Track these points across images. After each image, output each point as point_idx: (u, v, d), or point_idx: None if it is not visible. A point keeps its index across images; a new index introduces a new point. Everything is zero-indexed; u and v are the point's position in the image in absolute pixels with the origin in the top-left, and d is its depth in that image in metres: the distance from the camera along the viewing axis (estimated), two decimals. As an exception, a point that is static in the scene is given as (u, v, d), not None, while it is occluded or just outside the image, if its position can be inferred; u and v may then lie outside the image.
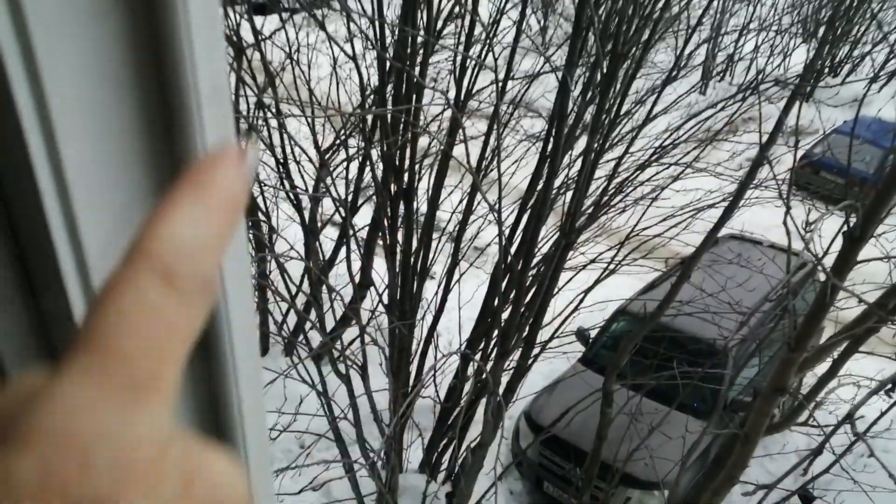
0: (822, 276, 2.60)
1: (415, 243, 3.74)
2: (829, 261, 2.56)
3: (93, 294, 0.35)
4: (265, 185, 4.10)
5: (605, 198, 3.88)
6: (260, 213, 4.16)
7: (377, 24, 3.43)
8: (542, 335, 3.69)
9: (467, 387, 3.77)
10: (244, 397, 0.44)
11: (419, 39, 3.46)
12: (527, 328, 3.53)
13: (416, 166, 3.68)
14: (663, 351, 3.81)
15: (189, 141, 0.35)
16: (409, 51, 3.46)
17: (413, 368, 3.86)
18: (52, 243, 0.33)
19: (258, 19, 3.88)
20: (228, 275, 0.39)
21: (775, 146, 3.51)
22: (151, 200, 0.36)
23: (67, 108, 0.32)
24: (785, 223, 2.67)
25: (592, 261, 3.97)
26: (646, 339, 3.62)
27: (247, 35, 3.76)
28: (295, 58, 4.03)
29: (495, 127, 3.62)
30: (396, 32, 3.50)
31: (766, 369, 4.26)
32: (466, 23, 3.72)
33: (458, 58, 3.66)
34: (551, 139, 3.67)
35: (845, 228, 2.42)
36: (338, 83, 4.01)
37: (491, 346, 3.69)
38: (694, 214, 4.33)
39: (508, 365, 3.57)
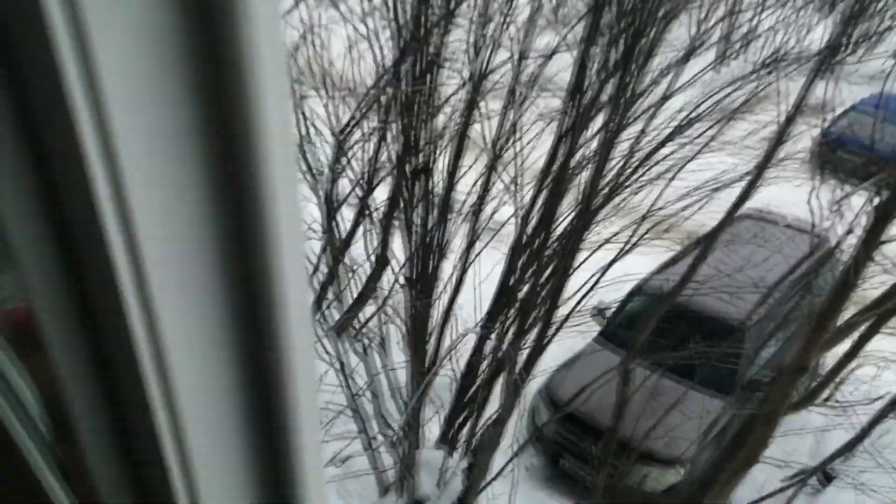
0: (845, 255, 2.59)
1: (432, 221, 3.74)
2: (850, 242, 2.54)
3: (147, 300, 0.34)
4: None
5: (623, 176, 3.86)
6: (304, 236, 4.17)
7: (392, 1, 3.42)
8: (560, 313, 3.70)
9: (485, 363, 3.78)
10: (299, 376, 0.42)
11: (434, 17, 3.44)
12: (545, 306, 3.54)
13: (433, 145, 3.68)
14: (681, 329, 3.81)
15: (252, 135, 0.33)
16: (424, 29, 3.44)
17: (431, 345, 3.87)
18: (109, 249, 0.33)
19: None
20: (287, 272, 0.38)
21: (793, 124, 3.48)
22: (206, 192, 0.35)
23: (123, 109, 0.30)
24: (809, 202, 2.65)
25: (608, 240, 3.95)
26: (664, 317, 3.62)
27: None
28: (309, 37, 4.02)
29: (511, 104, 3.61)
30: (411, 10, 3.49)
31: (785, 349, 4.25)
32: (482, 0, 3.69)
33: (474, 36, 3.64)
34: (568, 117, 3.65)
35: (872, 205, 2.41)
36: (353, 62, 3.99)
37: (508, 324, 3.70)
38: (711, 193, 4.29)
39: (526, 342, 3.58)
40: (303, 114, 3.86)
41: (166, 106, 0.32)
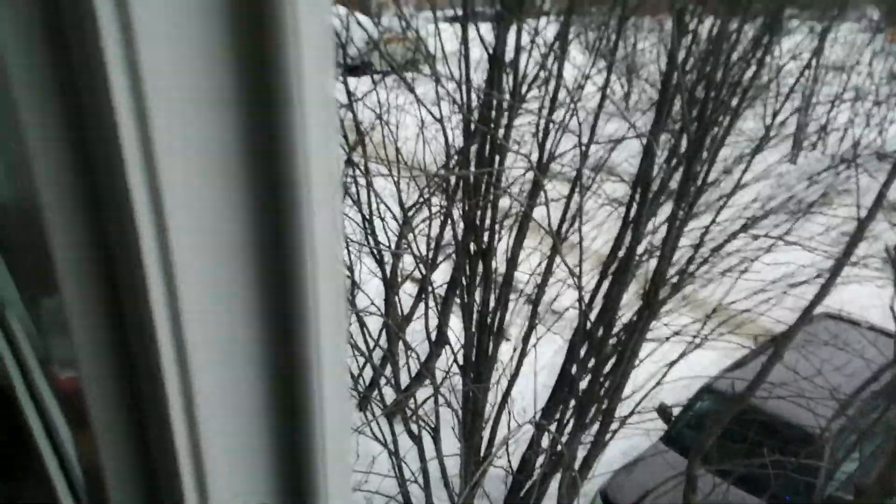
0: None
1: (492, 304, 3.68)
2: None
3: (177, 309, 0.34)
4: (350, 240, 4.16)
5: (691, 267, 3.74)
6: (344, 267, 4.22)
7: (464, 88, 3.49)
8: (622, 409, 3.53)
9: (541, 458, 3.62)
10: (329, 453, 0.42)
11: (504, 103, 3.50)
12: (606, 400, 3.38)
13: (496, 226, 3.67)
14: (753, 435, 3.57)
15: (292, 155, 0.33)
16: (493, 114, 3.49)
17: (486, 435, 3.74)
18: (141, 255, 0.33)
19: (351, 81, 4.02)
20: (324, 334, 0.38)
21: (873, 221, 3.33)
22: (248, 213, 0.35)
23: (166, 117, 0.31)
24: (892, 305, 2.49)
25: (677, 333, 3.80)
26: (733, 421, 3.41)
27: (339, 96, 3.90)
28: (384, 118, 4.14)
29: (577, 190, 3.58)
30: (482, 96, 3.56)
31: (868, 465, 3.92)
32: (551, 87, 3.74)
33: (542, 121, 3.67)
34: (634, 204, 3.59)
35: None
36: (424, 144, 4.08)
37: (567, 417, 3.55)
38: (786, 290, 4.11)
39: (585, 438, 3.42)
40: (373, 191, 3.93)
41: (211, 133, 0.33)
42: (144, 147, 0.31)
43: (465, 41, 3.45)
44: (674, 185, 3.57)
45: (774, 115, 4.38)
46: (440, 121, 3.62)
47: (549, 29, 3.79)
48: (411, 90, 3.43)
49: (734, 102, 3.62)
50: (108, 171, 0.32)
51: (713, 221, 3.88)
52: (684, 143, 3.51)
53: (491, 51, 3.39)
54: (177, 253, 0.33)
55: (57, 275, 0.36)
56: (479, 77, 4.20)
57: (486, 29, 3.51)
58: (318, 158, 0.34)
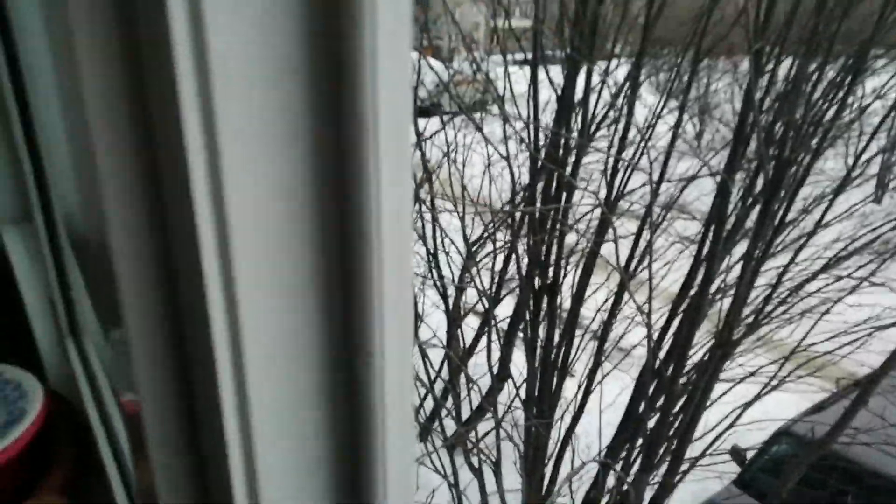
0: None
1: (556, 339, 3.66)
2: None
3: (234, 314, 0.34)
4: (415, 273, 4.25)
5: (769, 307, 3.61)
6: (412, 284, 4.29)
7: (532, 126, 3.56)
8: (692, 450, 3.41)
9: (606, 498, 3.52)
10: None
11: (572, 142, 3.53)
12: (675, 441, 3.28)
13: (562, 262, 3.67)
14: (834, 482, 3.36)
15: (360, 147, 0.32)
16: (560, 152, 3.53)
17: (548, 471, 3.68)
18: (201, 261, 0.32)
19: (421, 121, 4.17)
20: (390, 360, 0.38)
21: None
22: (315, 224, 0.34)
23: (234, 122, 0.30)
24: None
25: (752, 374, 3.66)
26: (813, 467, 3.23)
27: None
28: (451, 156, 4.25)
29: (647, 227, 3.55)
30: (550, 135, 3.61)
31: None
32: (621, 126, 3.76)
33: (611, 159, 3.68)
34: (707, 242, 3.52)
35: None
36: (490, 181, 4.15)
37: (634, 457, 3.45)
38: (871, 332, 3.90)
39: (653, 479, 3.31)
40: (439, 226, 4.02)
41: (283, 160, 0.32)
42: (213, 182, 0.30)
43: (533, 81, 3.52)
44: (749, 223, 3.49)
45: (858, 155, 4.24)
46: (507, 158, 3.69)
47: (619, 70, 3.83)
48: (479, 129, 3.52)
49: (814, 142, 3.53)
50: (177, 201, 0.32)
51: (792, 261, 3.76)
52: (760, 182, 3.44)
53: (560, 92, 3.45)
54: (240, 282, 0.32)
55: (121, 304, 0.36)
56: (547, 118, 4.28)
57: (556, 71, 3.58)
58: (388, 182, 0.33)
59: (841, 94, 3.60)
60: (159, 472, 0.40)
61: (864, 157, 4.35)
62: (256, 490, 0.37)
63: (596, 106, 3.62)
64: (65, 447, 0.91)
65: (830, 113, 3.60)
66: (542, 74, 3.52)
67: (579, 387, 3.76)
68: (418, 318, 4.11)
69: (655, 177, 3.49)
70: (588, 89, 3.42)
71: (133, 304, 0.36)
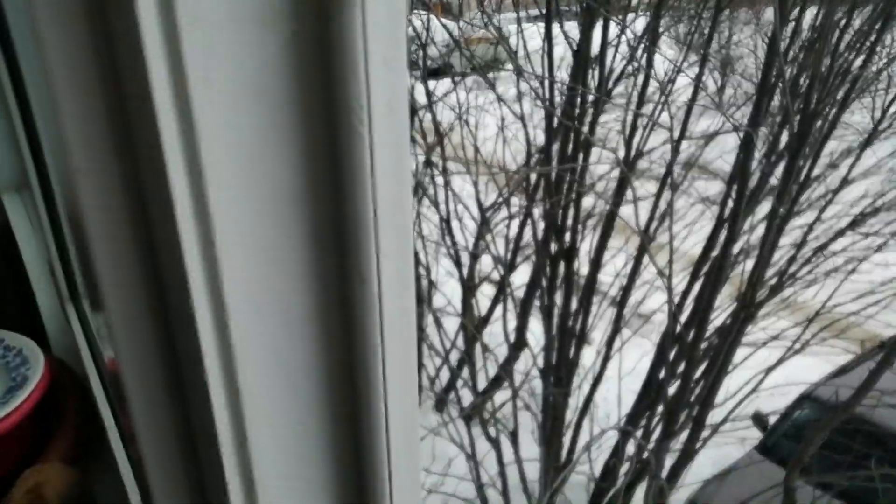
0: None
1: (574, 306, 3.58)
2: None
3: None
4: (428, 240, 4.17)
5: (792, 268, 3.51)
6: (421, 268, 4.23)
7: (547, 82, 3.42)
8: (714, 416, 3.35)
9: (626, 466, 3.49)
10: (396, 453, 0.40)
11: (589, 98, 3.40)
12: (696, 407, 3.22)
13: (579, 226, 3.57)
14: (858, 446, 3.30)
15: (357, 170, 0.32)
16: (577, 110, 3.40)
17: (567, 440, 3.65)
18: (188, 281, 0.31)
19: (431, 82, 4.03)
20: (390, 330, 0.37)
21: None
22: (308, 235, 0.34)
23: (217, 136, 0.30)
24: None
25: (775, 337, 3.58)
26: (837, 431, 3.16)
27: (420, 97, 3.92)
28: (464, 118, 4.12)
29: (667, 187, 3.43)
30: (566, 91, 3.47)
31: None
32: (639, 81, 3.61)
33: (630, 116, 3.54)
34: (730, 202, 3.41)
35: None
36: (502, 142, 4.03)
37: (654, 424, 3.40)
38: (898, 291, 3.81)
39: (673, 446, 3.26)
40: (452, 191, 3.93)
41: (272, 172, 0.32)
42: (192, 170, 0.30)
43: (548, 36, 3.37)
44: (774, 181, 3.37)
45: (886, 106, 4.07)
46: (521, 118, 3.56)
47: (637, 23, 3.67)
48: (492, 87, 3.39)
49: (840, 94, 3.38)
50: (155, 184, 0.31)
51: (817, 219, 3.64)
52: (785, 137, 3.30)
53: (576, 47, 3.31)
54: (222, 249, 0.32)
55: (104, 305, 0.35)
56: (563, 75, 4.13)
57: (572, 27, 3.44)
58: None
59: (869, 43, 3.44)
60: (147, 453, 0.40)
61: (893, 109, 4.19)
62: (249, 463, 0.37)
63: (613, 61, 3.47)
64: (68, 414, 0.91)
65: (858, 63, 3.45)
66: (556, 29, 3.37)
67: (598, 353, 3.70)
68: (432, 285, 4.04)
69: (676, 134, 3.36)
70: (605, 43, 3.27)
71: (117, 309, 0.35)
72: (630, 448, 3.47)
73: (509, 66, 3.60)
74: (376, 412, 0.38)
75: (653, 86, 3.61)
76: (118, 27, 0.29)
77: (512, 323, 3.71)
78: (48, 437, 0.85)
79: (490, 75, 4.00)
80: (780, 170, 3.30)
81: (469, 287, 3.92)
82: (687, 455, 3.31)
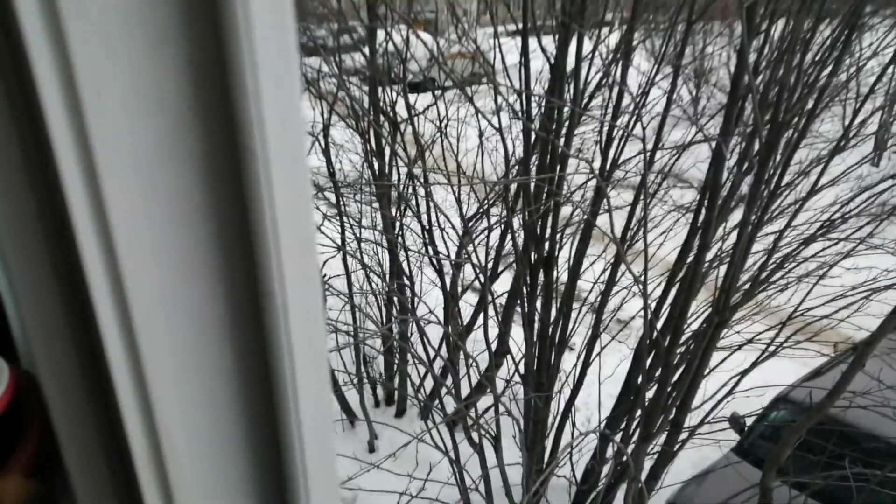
0: None
1: (554, 313, 3.65)
2: None
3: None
4: (411, 250, 4.23)
5: (765, 273, 3.60)
6: (405, 278, 4.29)
7: (524, 96, 3.51)
8: (691, 419, 3.43)
9: (606, 469, 3.55)
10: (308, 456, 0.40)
11: (565, 110, 3.49)
12: (673, 410, 3.29)
13: (558, 235, 3.65)
14: (832, 447, 3.39)
15: (254, 185, 0.32)
16: (554, 122, 3.49)
17: (548, 444, 3.71)
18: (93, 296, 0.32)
19: (413, 96, 4.11)
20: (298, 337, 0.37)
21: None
22: (210, 242, 0.34)
23: (113, 149, 0.30)
24: None
25: (749, 341, 3.66)
26: (811, 431, 3.25)
27: (402, 111, 4.00)
28: (444, 131, 4.20)
29: (642, 197, 3.52)
30: (543, 104, 3.56)
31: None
32: (614, 94, 3.71)
33: (605, 127, 3.64)
34: (703, 210, 3.50)
35: None
36: (481, 154, 4.11)
37: (633, 427, 3.47)
38: (868, 295, 3.90)
39: (652, 449, 3.33)
40: (433, 202, 3.99)
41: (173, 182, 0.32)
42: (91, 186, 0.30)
43: (524, 51, 3.47)
44: (745, 189, 3.46)
45: (854, 114, 4.19)
46: (499, 130, 3.64)
47: (612, 37, 3.77)
48: (470, 100, 3.47)
49: (809, 104, 3.49)
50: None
51: (787, 225, 3.74)
52: (756, 146, 3.40)
53: (552, 61, 3.40)
54: (124, 255, 0.32)
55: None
56: (541, 90, 4.22)
57: (549, 42, 3.53)
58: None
59: (836, 54, 3.54)
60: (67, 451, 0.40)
61: (860, 118, 4.31)
62: (161, 456, 0.37)
63: (588, 73, 3.56)
64: (32, 427, 0.94)
65: (825, 73, 3.55)
66: (534, 44, 3.47)
67: (578, 356, 3.77)
68: (415, 296, 4.10)
69: (650, 145, 3.45)
70: (580, 57, 3.36)
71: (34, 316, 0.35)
72: (610, 451, 3.54)
73: (488, 80, 3.69)
74: (286, 412, 0.38)
75: (628, 98, 3.71)
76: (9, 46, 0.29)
77: (494, 330, 3.77)
78: (10, 451, 0.82)
79: (471, 89, 4.09)
80: (750, 178, 3.39)
81: (452, 296, 3.98)
82: (665, 457, 3.38)
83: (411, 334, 4.45)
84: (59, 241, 0.34)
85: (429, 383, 4.68)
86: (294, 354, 0.37)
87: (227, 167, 0.33)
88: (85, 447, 0.40)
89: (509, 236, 3.76)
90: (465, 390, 3.88)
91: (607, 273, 3.72)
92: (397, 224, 4.28)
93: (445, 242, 4.21)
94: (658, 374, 3.35)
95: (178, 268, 0.33)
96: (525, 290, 3.61)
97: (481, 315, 3.92)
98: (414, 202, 4.14)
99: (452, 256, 4.17)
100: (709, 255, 3.50)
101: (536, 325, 3.58)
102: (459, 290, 4.31)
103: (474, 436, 3.17)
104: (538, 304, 3.60)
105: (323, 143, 4.37)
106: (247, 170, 0.32)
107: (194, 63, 0.31)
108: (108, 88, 0.29)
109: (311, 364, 0.38)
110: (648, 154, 3.45)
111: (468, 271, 4.50)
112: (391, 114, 4.09)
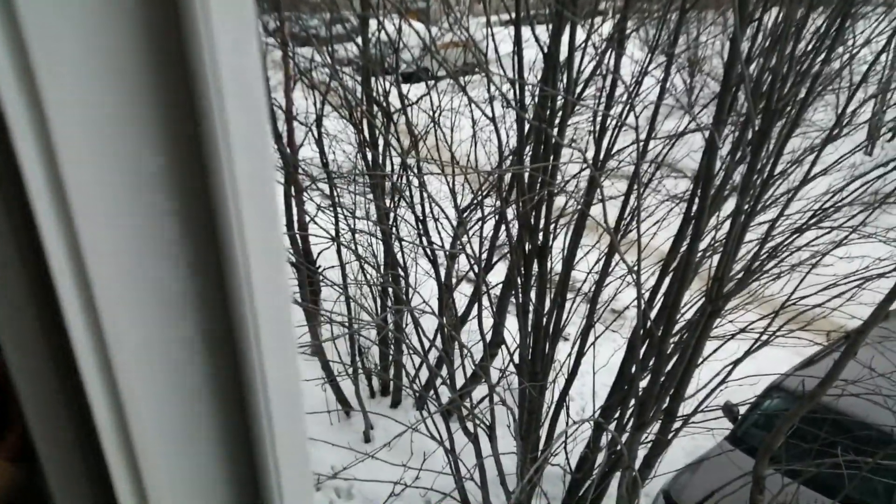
0: None
1: (548, 303, 3.66)
2: None
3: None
4: (405, 241, 4.22)
5: (757, 263, 3.61)
6: (399, 269, 4.29)
7: (517, 85, 3.49)
8: (685, 408, 3.44)
9: (600, 458, 3.57)
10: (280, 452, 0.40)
11: (559, 100, 3.48)
12: (667, 399, 3.31)
13: (552, 225, 3.65)
14: (825, 435, 3.41)
15: (213, 151, 0.32)
16: (548, 111, 3.48)
17: (543, 433, 3.72)
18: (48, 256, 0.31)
19: (406, 86, 4.09)
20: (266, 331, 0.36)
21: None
22: (169, 213, 0.33)
23: (68, 113, 0.29)
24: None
25: (742, 330, 3.68)
26: (804, 420, 3.27)
27: (395, 101, 3.98)
28: (438, 121, 4.19)
29: (636, 186, 3.52)
30: (536, 93, 3.55)
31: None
32: (608, 83, 3.70)
33: (599, 117, 3.63)
34: (696, 199, 3.50)
35: None
36: (474, 144, 4.10)
37: (627, 416, 3.49)
38: (861, 284, 3.92)
39: (646, 438, 3.34)
40: (427, 193, 3.99)
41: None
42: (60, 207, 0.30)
43: (517, 41, 3.45)
44: (738, 178, 3.47)
45: (847, 103, 4.19)
46: (493, 120, 3.63)
47: (605, 26, 3.75)
48: (463, 90, 3.46)
49: (802, 92, 3.49)
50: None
51: (780, 214, 3.75)
52: (749, 135, 3.40)
53: (546, 50, 3.39)
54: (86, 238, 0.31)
55: None
56: (533, 76, 4.20)
57: (542, 31, 3.51)
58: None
59: (828, 42, 3.54)
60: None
61: (852, 106, 4.31)
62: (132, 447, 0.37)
63: (581, 63, 3.55)
64: (17, 413, 0.93)
65: (818, 62, 3.55)
66: (527, 34, 3.45)
67: (572, 346, 3.78)
68: (410, 286, 4.10)
69: (643, 135, 3.45)
70: (573, 45, 3.35)
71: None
72: (604, 440, 3.55)
73: (481, 69, 3.67)
74: (256, 404, 0.38)
75: (621, 87, 3.70)
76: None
77: (489, 321, 3.78)
78: None
79: (464, 79, 4.07)
80: (743, 167, 3.39)
81: (447, 286, 3.98)
82: (659, 446, 3.40)
83: (406, 325, 4.45)
84: (18, 212, 0.33)
85: (424, 374, 4.69)
86: (259, 323, 0.36)
87: (185, 134, 0.32)
88: (55, 429, 0.39)
89: (503, 227, 3.75)
90: (459, 381, 3.89)
91: (601, 263, 3.73)
92: (391, 215, 4.27)
93: (440, 233, 4.20)
94: (652, 363, 3.37)
95: (138, 236, 0.33)
96: (519, 281, 3.61)
97: (476, 305, 3.93)
98: (408, 193, 4.13)
99: (447, 247, 4.17)
100: (702, 245, 3.51)
101: (531, 316, 3.58)
102: (454, 280, 4.31)
103: (469, 425, 3.18)
104: (532, 295, 3.60)
105: (316, 133, 4.35)
106: (205, 136, 0.32)
107: (149, 25, 0.30)
108: (61, 52, 0.28)
109: (276, 336, 0.37)
110: (642, 144, 3.45)
111: (462, 262, 4.50)
112: (384, 104, 4.08)
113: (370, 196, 4.39)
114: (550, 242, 3.65)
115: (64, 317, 0.32)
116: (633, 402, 3.35)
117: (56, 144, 0.29)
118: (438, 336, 3.94)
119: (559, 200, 3.86)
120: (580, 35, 3.45)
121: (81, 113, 0.30)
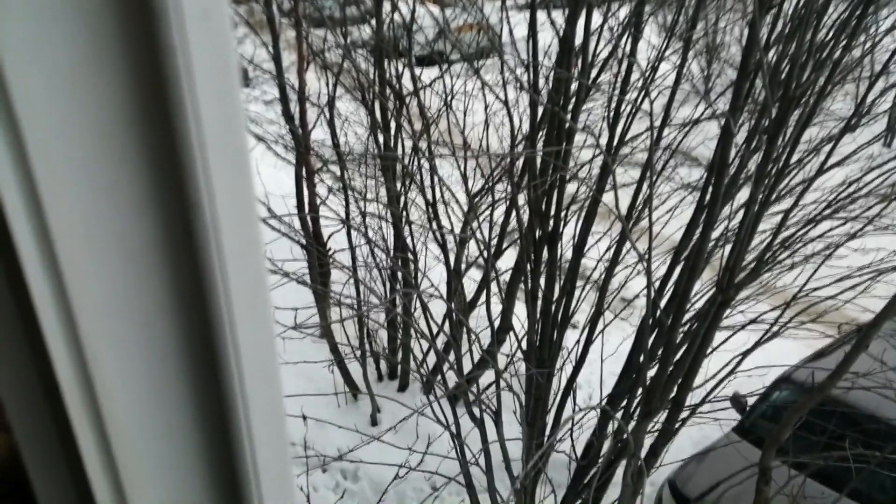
0: None
1: (557, 290, 3.64)
2: None
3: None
4: (415, 225, 4.21)
5: (770, 253, 3.58)
6: (409, 252, 4.28)
7: (531, 68, 3.46)
8: (693, 398, 3.43)
9: (606, 446, 3.57)
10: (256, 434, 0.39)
11: (573, 84, 3.44)
12: (675, 389, 3.29)
13: (563, 212, 3.62)
14: (833, 428, 3.39)
15: (178, 99, 0.31)
16: (561, 96, 3.44)
17: (549, 420, 3.72)
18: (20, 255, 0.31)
19: (419, 69, 4.06)
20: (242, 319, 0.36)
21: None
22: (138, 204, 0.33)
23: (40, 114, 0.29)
24: None
25: (753, 321, 3.65)
26: (812, 412, 3.25)
27: (408, 84, 3.96)
28: (450, 105, 4.16)
29: (648, 174, 3.49)
30: (550, 78, 3.51)
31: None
32: (623, 68, 3.65)
33: (613, 103, 3.59)
34: (710, 188, 3.46)
35: None
36: (486, 128, 4.07)
37: (634, 405, 3.48)
38: (874, 277, 3.88)
39: (653, 427, 3.34)
40: (438, 177, 3.97)
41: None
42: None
43: (532, 24, 3.41)
44: (753, 167, 3.42)
45: (867, 92, 4.12)
46: (505, 104, 3.60)
47: (621, 11, 3.70)
48: (477, 73, 3.42)
49: (821, 81, 3.43)
50: None
51: (795, 204, 3.70)
52: (766, 123, 3.35)
53: (561, 34, 3.34)
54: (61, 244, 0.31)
55: None
56: (548, 59, 4.16)
57: (558, 15, 3.47)
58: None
59: (850, 30, 3.47)
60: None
61: (872, 96, 4.24)
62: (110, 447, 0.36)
63: (596, 48, 3.51)
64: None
65: (838, 50, 3.49)
66: (543, 17, 3.41)
67: (581, 334, 3.77)
68: (419, 271, 4.10)
69: (658, 122, 3.41)
70: (588, 30, 3.31)
71: None
72: (610, 428, 3.55)
73: (496, 53, 3.64)
74: (228, 365, 0.37)
75: (637, 72, 3.65)
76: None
77: (497, 306, 3.77)
78: None
79: (477, 62, 4.03)
80: (759, 156, 3.35)
81: (456, 271, 3.98)
82: (666, 435, 3.39)
83: (415, 309, 4.45)
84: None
85: (431, 358, 4.70)
86: (229, 277, 0.35)
87: (150, 84, 0.31)
88: (24, 394, 0.38)
89: (514, 212, 3.73)
90: (467, 366, 3.89)
91: (612, 251, 3.71)
92: (402, 198, 4.26)
93: (450, 217, 4.19)
94: (660, 352, 3.35)
95: (102, 189, 0.32)
96: (529, 267, 3.60)
97: (485, 291, 3.92)
98: (419, 176, 4.12)
99: (457, 231, 4.15)
100: (714, 234, 3.48)
101: (539, 302, 3.57)
102: (463, 265, 4.30)
103: (475, 410, 3.18)
104: (542, 281, 3.59)
105: (328, 115, 4.33)
106: (171, 88, 0.31)
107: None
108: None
109: (248, 290, 0.36)
110: (656, 130, 3.41)
111: (472, 247, 4.48)
112: (397, 87, 4.05)
113: (381, 179, 4.37)
114: (561, 229, 3.63)
115: (24, 272, 0.31)
116: (640, 390, 3.34)
117: (12, 93, 0.29)
118: (447, 321, 3.94)
119: (571, 187, 3.83)
120: (596, 19, 3.41)
121: (39, 57, 0.29)
